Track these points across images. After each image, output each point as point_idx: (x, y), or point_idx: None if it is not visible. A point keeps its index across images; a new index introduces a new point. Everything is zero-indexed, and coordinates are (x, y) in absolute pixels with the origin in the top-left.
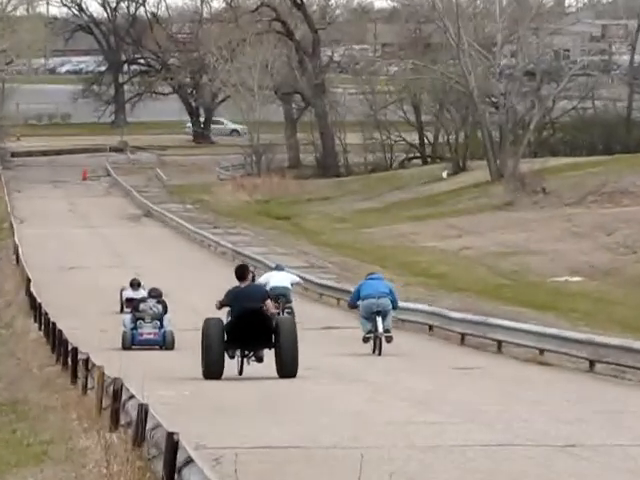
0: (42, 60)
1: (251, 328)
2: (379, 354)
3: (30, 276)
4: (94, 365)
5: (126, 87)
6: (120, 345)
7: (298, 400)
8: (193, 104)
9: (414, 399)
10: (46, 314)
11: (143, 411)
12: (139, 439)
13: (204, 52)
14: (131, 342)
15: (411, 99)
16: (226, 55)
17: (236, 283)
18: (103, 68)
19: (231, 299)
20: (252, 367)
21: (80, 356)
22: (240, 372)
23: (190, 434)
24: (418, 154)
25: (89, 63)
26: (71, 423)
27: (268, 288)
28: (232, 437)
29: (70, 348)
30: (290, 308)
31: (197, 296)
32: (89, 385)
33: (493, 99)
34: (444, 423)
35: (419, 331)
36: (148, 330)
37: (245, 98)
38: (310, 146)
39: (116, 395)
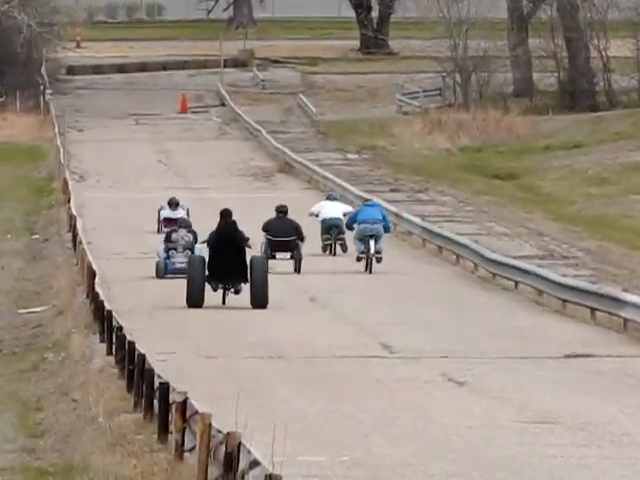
0: None
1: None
2: (370, 272)
3: (95, 268)
4: (196, 412)
5: None
6: (154, 274)
7: None
8: None
9: None
10: (120, 329)
11: None
12: None
13: None
14: (164, 271)
15: None
16: None
17: None
18: None
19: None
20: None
21: (174, 397)
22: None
23: None
24: None
25: None
26: None
27: (320, 219)
28: None
29: (157, 384)
30: (342, 239)
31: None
32: (187, 444)
33: None
34: None
35: None
36: (180, 259)
37: None
38: (549, 60)
39: (230, 461)
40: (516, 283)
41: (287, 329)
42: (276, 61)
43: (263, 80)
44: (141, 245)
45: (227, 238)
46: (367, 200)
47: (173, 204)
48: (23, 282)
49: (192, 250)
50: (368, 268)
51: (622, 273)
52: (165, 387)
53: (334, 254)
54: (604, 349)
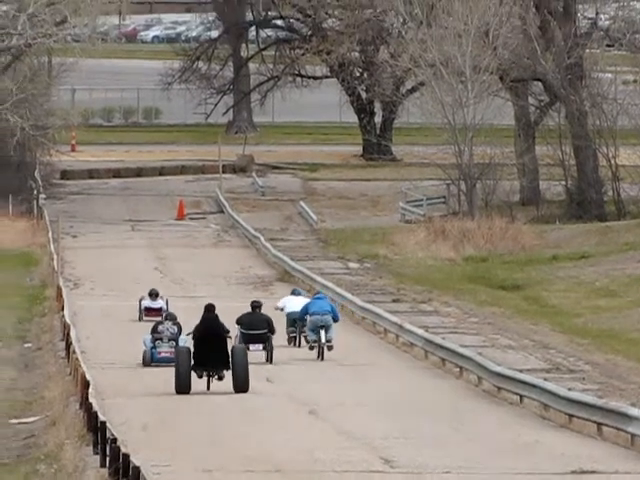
0: (115, 20)
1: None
2: (322, 359)
3: (89, 377)
4: None
5: (252, 66)
6: (141, 362)
7: None
8: (364, 96)
9: None
10: (114, 441)
11: None
12: None
13: (383, 9)
14: (150, 360)
15: None
16: (420, 14)
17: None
18: (215, 34)
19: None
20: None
21: None
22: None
23: None
24: None
25: (191, 25)
26: None
27: (285, 312)
28: None
29: None
30: (305, 331)
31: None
32: None
33: None
34: None
35: None
36: (165, 349)
37: (450, 86)
38: (557, 169)
39: None
40: (521, 397)
41: (286, 443)
42: (276, 167)
43: (262, 187)
44: (137, 354)
45: (210, 330)
46: (317, 293)
47: (153, 294)
48: (15, 392)
49: (176, 341)
50: (320, 356)
51: (630, 387)
52: None
53: (299, 345)
54: (611, 465)
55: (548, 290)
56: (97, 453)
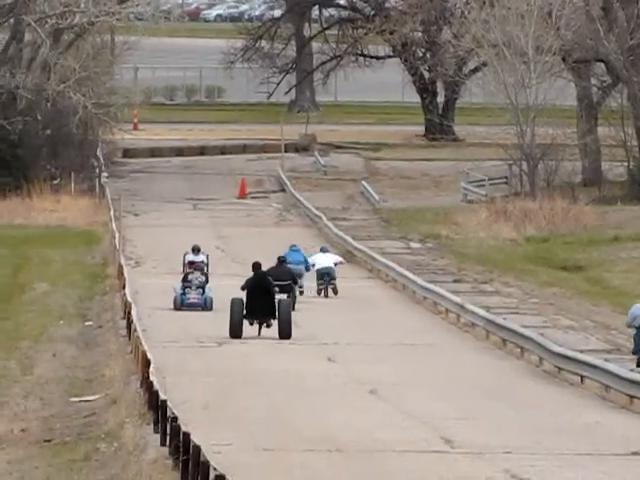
0: None
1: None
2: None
3: (150, 356)
4: None
5: (315, 45)
6: (172, 306)
7: None
8: (426, 76)
9: None
10: (175, 420)
11: None
12: None
13: None
14: (180, 304)
15: None
16: None
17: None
18: (278, 13)
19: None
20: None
21: None
22: (259, 333)
23: None
24: None
25: (254, 4)
26: None
27: (315, 268)
28: None
29: (213, 477)
30: (334, 284)
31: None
32: None
33: None
34: None
35: None
36: (193, 295)
37: (512, 67)
38: (619, 150)
39: None
40: (582, 378)
41: (347, 422)
42: (338, 146)
43: (324, 166)
44: (199, 334)
45: (260, 284)
46: (293, 245)
47: (195, 250)
48: (75, 370)
49: (203, 289)
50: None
51: None
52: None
53: (327, 296)
54: None
55: (610, 271)
56: (157, 432)
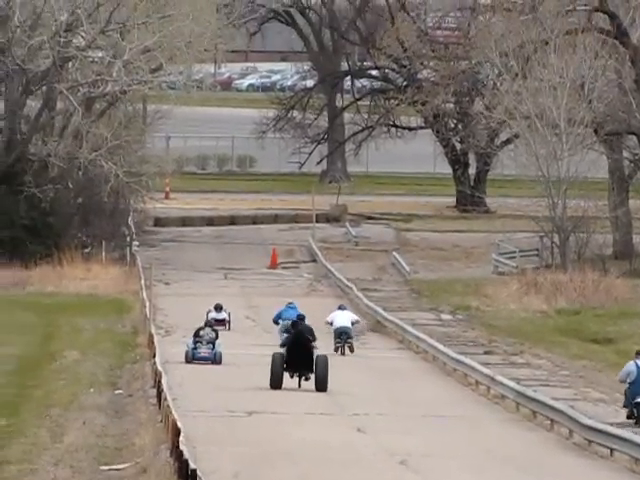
0: (210, 68)
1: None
2: None
3: (180, 425)
4: None
5: (347, 116)
6: (183, 359)
7: None
8: (458, 147)
9: None
10: None
11: None
12: None
13: (478, 61)
14: (192, 357)
15: None
16: (515, 67)
17: None
18: (310, 83)
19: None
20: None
21: None
22: (299, 385)
23: None
24: None
25: (286, 74)
26: None
27: (333, 327)
28: None
29: None
30: (350, 343)
31: None
32: None
33: None
34: None
35: None
36: (204, 350)
37: (544, 139)
38: None
39: None
40: (612, 450)
41: None
42: (370, 217)
43: (355, 236)
44: (228, 402)
45: (299, 341)
46: (290, 303)
47: (218, 307)
48: (105, 438)
49: (214, 344)
50: None
51: None
52: None
53: (343, 354)
54: None
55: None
56: None
